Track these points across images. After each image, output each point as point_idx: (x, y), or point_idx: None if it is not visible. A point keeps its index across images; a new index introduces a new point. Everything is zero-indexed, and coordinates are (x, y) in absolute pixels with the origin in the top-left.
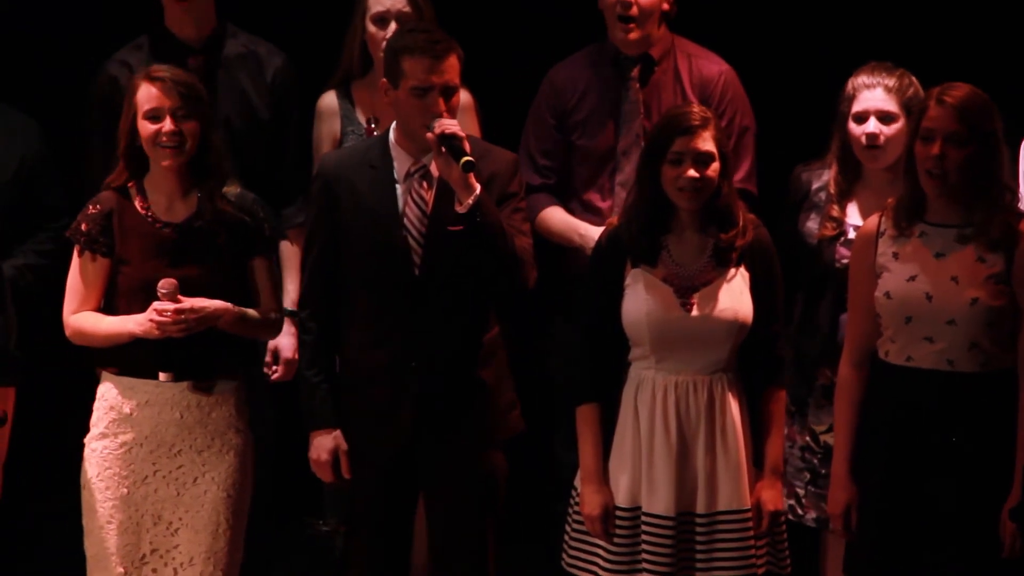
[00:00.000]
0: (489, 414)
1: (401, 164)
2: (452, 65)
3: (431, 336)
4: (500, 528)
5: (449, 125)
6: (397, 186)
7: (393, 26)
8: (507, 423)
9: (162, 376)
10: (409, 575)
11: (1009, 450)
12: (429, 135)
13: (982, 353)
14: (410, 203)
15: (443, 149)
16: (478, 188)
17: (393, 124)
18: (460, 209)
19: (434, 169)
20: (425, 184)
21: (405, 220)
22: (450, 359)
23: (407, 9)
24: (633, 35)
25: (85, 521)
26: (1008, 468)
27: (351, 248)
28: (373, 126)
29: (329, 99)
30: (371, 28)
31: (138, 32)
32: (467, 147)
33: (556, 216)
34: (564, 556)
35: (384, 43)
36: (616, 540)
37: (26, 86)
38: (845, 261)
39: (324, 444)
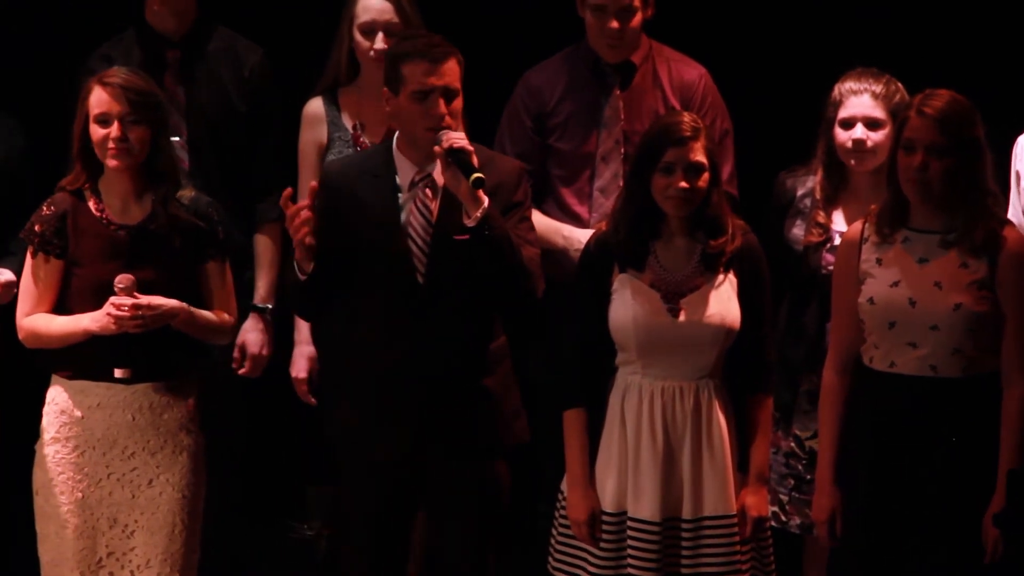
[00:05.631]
0: (493, 423)
1: (404, 173)
2: (452, 68)
3: (435, 344)
4: (502, 540)
5: (457, 139)
6: (400, 195)
7: (380, 35)
8: (512, 432)
9: (118, 372)
10: None
11: (992, 455)
12: (437, 148)
13: (965, 358)
14: (414, 211)
15: (451, 162)
16: (486, 201)
17: (396, 133)
18: (469, 223)
19: (438, 177)
20: (429, 192)
21: (409, 229)
22: (455, 367)
23: (395, 19)
24: (620, 50)
25: (39, 527)
26: (991, 473)
27: (355, 257)
28: (360, 132)
29: (315, 106)
30: (358, 37)
31: (120, 27)
32: (476, 161)
33: (536, 218)
34: (550, 560)
35: (371, 52)
36: (602, 545)
37: (8, 83)
38: (831, 267)
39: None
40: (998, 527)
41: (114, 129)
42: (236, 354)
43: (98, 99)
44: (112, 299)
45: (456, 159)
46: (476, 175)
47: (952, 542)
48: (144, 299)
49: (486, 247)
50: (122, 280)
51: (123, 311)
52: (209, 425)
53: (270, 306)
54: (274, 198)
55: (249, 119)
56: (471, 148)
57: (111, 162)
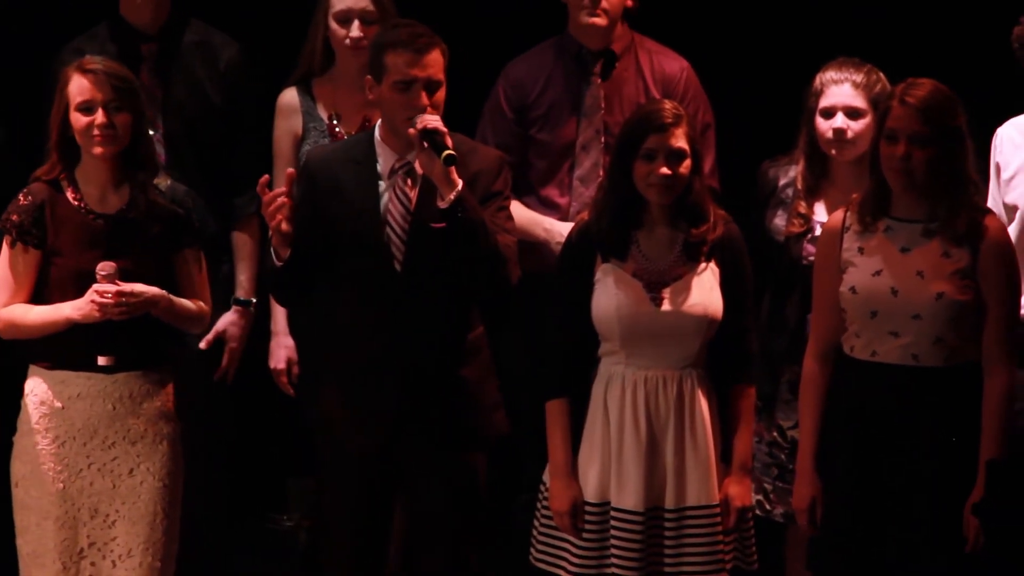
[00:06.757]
0: (471, 414)
1: (386, 161)
2: (435, 60)
3: (413, 333)
4: (482, 532)
5: (431, 120)
6: (380, 182)
7: (356, 24)
8: (491, 423)
9: (101, 360)
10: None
11: (973, 445)
12: (411, 130)
13: (947, 347)
14: (393, 200)
15: (425, 144)
16: (460, 183)
17: (379, 121)
18: (442, 204)
19: (419, 166)
20: (409, 181)
21: (388, 216)
22: (432, 357)
23: (370, 7)
24: (599, 20)
25: (18, 519)
26: (972, 463)
27: (333, 244)
28: (335, 123)
29: (290, 96)
30: (333, 25)
31: (95, 20)
32: (449, 142)
33: (517, 211)
34: (532, 551)
35: (346, 40)
36: (585, 535)
37: None
38: (812, 258)
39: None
40: (978, 517)
41: (99, 116)
42: (205, 343)
43: (79, 87)
44: (95, 286)
45: (429, 139)
46: (448, 152)
47: (933, 531)
48: (128, 286)
49: (460, 230)
50: (104, 267)
51: (107, 298)
52: (193, 416)
53: (254, 300)
54: (252, 192)
55: (225, 113)
56: (445, 129)
57: (97, 149)
